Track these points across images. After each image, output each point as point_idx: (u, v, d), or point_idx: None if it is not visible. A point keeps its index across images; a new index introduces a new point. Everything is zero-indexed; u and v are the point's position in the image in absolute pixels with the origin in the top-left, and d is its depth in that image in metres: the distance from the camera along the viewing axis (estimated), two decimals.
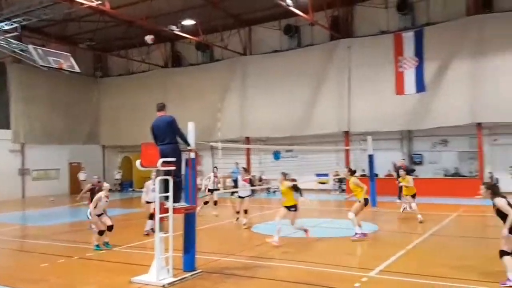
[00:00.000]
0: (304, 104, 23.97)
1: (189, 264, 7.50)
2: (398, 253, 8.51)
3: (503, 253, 6.47)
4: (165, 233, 7.21)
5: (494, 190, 6.49)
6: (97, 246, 9.82)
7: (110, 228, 9.91)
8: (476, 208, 15.41)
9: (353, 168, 11.86)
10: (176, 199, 7.28)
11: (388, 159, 21.52)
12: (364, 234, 10.14)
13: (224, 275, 7.39)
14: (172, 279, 6.95)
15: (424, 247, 9.24)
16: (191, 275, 7.26)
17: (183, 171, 7.54)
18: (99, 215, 9.88)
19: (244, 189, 12.65)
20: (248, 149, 25.33)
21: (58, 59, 16.65)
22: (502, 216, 6.33)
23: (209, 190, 14.60)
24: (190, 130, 7.61)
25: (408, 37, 20.26)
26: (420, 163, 22.49)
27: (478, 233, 10.86)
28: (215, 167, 15.60)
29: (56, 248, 10.30)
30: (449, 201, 16.48)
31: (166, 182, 7.13)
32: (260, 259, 8.54)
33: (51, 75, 24.02)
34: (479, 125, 19.73)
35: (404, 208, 13.81)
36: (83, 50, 26.85)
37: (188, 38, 23.31)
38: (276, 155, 25.62)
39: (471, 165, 20.99)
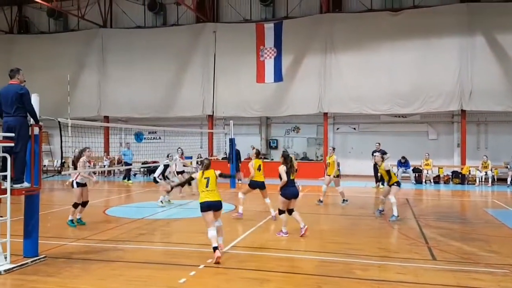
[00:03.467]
0: (168, 85, 23.61)
1: (30, 249, 6.87)
2: (250, 229, 9.07)
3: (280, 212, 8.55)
4: (1, 217, 6.47)
5: None
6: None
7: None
8: (319, 188, 17.11)
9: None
10: (20, 180, 6.60)
11: (248, 143, 22.55)
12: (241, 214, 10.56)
13: (72, 260, 6.97)
14: (9, 266, 6.30)
15: (273, 223, 9.98)
16: (33, 261, 6.68)
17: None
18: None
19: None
20: (107, 129, 23.96)
21: None
22: None
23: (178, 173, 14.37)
24: (34, 103, 6.88)
25: (269, 28, 21.32)
26: (275, 147, 24.11)
27: (320, 210, 12.12)
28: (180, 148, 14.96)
29: None
30: (298, 182, 17.99)
31: (4, 159, 6.38)
32: (113, 242, 8.25)
33: None
34: (325, 114, 21.93)
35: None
36: None
37: (38, 2, 20.89)
38: (139, 137, 24.78)
39: (318, 150, 23.30)
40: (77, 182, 9.72)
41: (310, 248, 7.80)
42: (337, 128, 23.01)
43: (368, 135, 21.52)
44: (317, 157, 23.16)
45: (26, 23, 26.30)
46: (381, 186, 17.53)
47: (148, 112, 23.64)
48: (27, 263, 6.59)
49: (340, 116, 22.60)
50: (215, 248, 6.78)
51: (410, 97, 20.32)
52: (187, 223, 10.26)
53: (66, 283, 5.88)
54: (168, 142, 21.52)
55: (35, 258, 6.79)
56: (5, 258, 6.41)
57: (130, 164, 19.11)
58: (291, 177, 8.56)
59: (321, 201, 12.82)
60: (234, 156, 18.20)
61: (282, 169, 8.51)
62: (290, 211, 8.63)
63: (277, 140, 24.16)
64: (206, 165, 7.41)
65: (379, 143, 18.38)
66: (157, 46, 23.58)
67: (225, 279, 6.08)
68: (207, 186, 7.18)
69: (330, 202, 14.70)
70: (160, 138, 24.20)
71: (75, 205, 9.65)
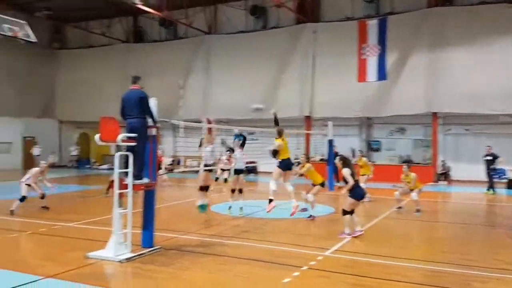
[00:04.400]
0: (267, 87, 24.02)
1: (147, 240, 7.47)
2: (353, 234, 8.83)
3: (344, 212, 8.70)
4: (124, 209, 7.11)
5: None
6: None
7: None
8: (426, 194, 16.09)
9: (310, 155, 12.24)
10: (139, 176, 7.23)
11: (347, 145, 22.03)
12: (314, 217, 10.59)
13: (182, 252, 7.43)
14: (130, 255, 6.92)
15: (376, 229, 9.63)
16: (149, 251, 7.26)
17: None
18: None
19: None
20: (209, 130, 25.11)
21: (13, 27, 15.75)
22: None
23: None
24: (152, 106, 7.50)
25: (372, 25, 20.64)
26: (377, 149, 23.22)
27: (425, 217, 11.38)
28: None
29: (8, 223, 9.97)
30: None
31: (126, 157, 7.04)
32: (219, 237, 8.62)
33: (6, 44, 22.64)
34: (434, 114, 20.56)
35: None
36: (40, 19, 25.51)
37: (151, 13, 22.64)
38: (238, 138, 25.55)
39: (425, 153, 21.89)
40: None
41: (418, 257, 7.37)
42: (448, 129, 21.40)
43: (483, 137, 19.67)
44: (424, 160, 21.78)
45: (140, 32, 28.73)
46: (491, 191, 16.04)
47: (248, 114, 24.24)
48: (144, 253, 7.17)
49: (451, 117, 20.96)
50: (270, 200, 8.99)
51: None
52: (286, 223, 10.32)
53: (179, 274, 6.29)
54: (264, 142, 21.92)
55: (152, 249, 7.36)
56: (126, 247, 7.03)
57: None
58: (355, 178, 8.85)
59: (401, 208, 11.98)
60: (332, 158, 17.91)
61: (347, 172, 8.67)
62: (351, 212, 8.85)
63: (379, 141, 23.24)
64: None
65: (489, 146, 16.77)
66: (257, 50, 24.10)
67: (328, 283, 6.01)
68: None
69: (438, 208, 13.80)
70: (257, 139, 24.70)
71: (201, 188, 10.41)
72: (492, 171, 16.40)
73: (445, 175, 19.68)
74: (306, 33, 23.03)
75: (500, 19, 18.89)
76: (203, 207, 10.52)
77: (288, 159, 9.66)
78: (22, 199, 11.02)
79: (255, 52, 24.09)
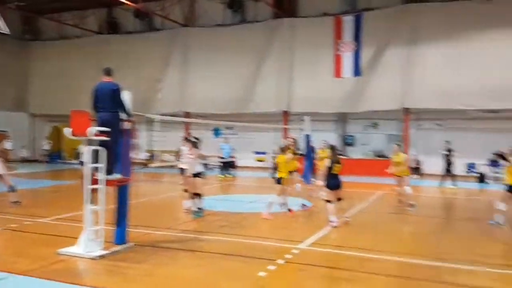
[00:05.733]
0: (245, 81, 23.95)
1: (120, 237, 7.32)
2: (328, 227, 8.91)
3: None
4: (95, 206, 6.94)
5: None
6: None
7: None
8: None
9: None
10: (111, 171, 7.06)
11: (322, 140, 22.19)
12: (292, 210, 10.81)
13: (158, 248, 7.32)
14: (102, 252, 6.76)
15: (352, 222, 9.73)
16: (123, 248, 7.12)
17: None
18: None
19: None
20: (187, 125, 24.91)
21: None
22: None
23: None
24: (126, 100, 7.31)
25: (348, 21, 20.77)
26: (351, 144, 23.51)
27: (401, 210, 11.59)
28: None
29: None
30: (376, 180, 17.41)
31: (97, 152, 6.85)
32: (196, 233, 8.55)
33: None
34: (407, 110, 20.90)
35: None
36: (11, 10, 24.69)
37: (126, 4, 22.18)
38: (217, 132, 25.47)
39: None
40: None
41: (395, 249, 7.48)
42: (420, 125, 21.79)
43: (454, 132, 20.11)
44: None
45: (115, 24, 28.04)
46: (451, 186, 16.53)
47: (226, 108, 24.10)
48: (117, 250, 7.01)
49: (424, 112, 21.36)
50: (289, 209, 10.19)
51: (503, 91, 18.71)
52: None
53: (153, 270, 6.19)
54: (243, 137, 21.86)
55: (125, 245, 7.21)
56: (98, 244, 6.86)
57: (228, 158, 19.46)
58: (333, 171, 9.24)
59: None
60: (309, 153, 18.00)
61: (327, 162, 9.34)
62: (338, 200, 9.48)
63: (353, 136, 23.51)
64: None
65: (447, 141, 17.28)
66: (235, 44, 23.97)
67: (304, 276, 6.04)
68: None
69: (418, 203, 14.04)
70: (237, 134, 24.65)
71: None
72: (450, 166, 16.95)
73: (417, 170, 20.05)
74: (283, 28, 23.02)
75: (474, 16, 19.31)
76: (198, 213, 10.13)
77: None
78: None
79: (233, 46, 23.95)
